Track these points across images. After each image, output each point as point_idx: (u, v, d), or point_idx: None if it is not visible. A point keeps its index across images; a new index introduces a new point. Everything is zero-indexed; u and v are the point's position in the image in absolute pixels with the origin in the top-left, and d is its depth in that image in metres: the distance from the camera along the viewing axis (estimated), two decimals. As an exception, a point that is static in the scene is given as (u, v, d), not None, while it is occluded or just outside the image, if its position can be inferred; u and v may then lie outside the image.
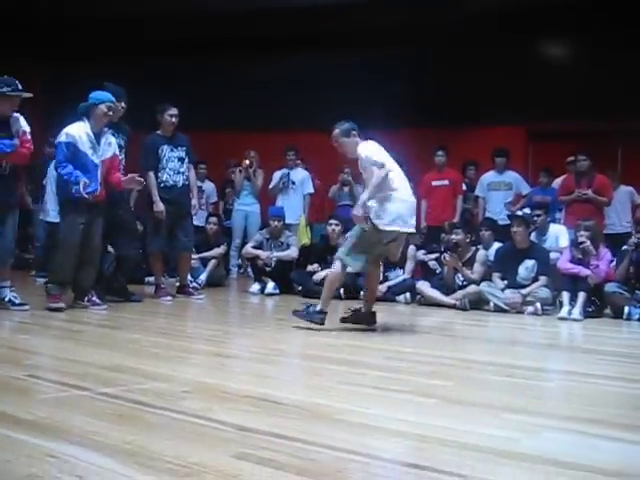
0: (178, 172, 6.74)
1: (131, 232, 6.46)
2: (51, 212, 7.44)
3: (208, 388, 2.95)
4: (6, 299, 5.59)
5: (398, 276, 7.32)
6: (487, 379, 3.44)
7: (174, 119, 6.71)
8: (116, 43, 11.09)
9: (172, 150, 6.73)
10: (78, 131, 5.60)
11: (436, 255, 7.39)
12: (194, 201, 6.98)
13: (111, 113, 5.71)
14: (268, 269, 7.57)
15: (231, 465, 1.93)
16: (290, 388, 2.97)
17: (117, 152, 5.93)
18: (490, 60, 10.32)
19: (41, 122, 8.42)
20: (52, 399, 2.65)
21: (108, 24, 10.77)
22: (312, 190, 9.47)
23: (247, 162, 9.13)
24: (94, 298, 5.79)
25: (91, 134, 5.64)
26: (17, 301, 5.59)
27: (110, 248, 6.52)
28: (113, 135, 6.13)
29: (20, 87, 5.42)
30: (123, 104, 6.23)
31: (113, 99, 5.75)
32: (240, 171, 9.22)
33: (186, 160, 6.82)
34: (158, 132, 6.78)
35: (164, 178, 6.68)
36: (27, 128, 5.69)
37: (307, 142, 10.27)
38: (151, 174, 6.62)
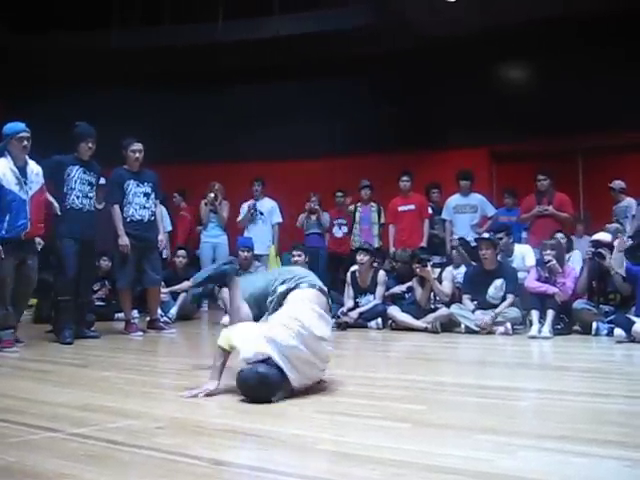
0: (144, 207, 6.70)
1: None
2: None
3: (181, 423, 2.92)
4: None
5: (369, 302, 7.35)
6: (460, 401, 3.46)
7: (137, 154, 6.69)
8: (83, 74, 11.11)
9: (138, 185, 6.69)
10: (1, 169, 5.48)
11: (407, 285, 7.45)
12: (161, 236, 6.93)
13: (25, 143, 5.57)
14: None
15: (207, 501, 1.91)
16: (264, 420, 2.95)
17: (43, 182, 5.79)
18: (451, 83, 10.55)
19: None
20: (22, 442, 2.59)
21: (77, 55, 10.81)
22: (280, 220, 9.50)
23: (212, 195, 9.12)
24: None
25: (15, 169, 5.54)
26: None
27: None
28: (84, 173, 6.12)
29: None
30: (90, 144, 6.19)
31: (26, 129, 5.62)
32: (205, 204, 9.22)
33: (152, 196, 6.78)
34: (125, 167, 6.76)
35: (130, 212, 6.64)
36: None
37: (273, 171, 10.34)
38: (116, 207, 6.58)
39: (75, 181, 6.17)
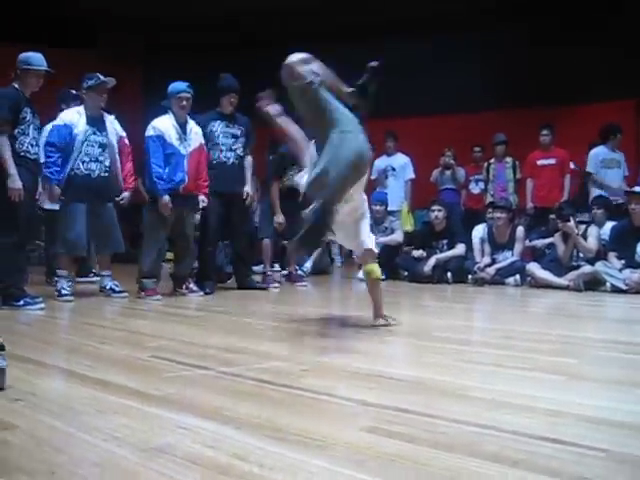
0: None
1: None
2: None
3: (326, 367, 2.94)
4: (107, 287, 5.84)
5: (506, 258, 7.14)
6: (613, 357, 3.27)
7: (233, 99, 6.37)
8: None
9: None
10: (165, 124, 5.75)
11: (549, 240, 7.15)
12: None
13: (184, 103, 5.74)
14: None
15: (361, 438, 1.90)
16: (409, 366, 2.92)
17: (202, 141, 5.98)
18: (592, 34, 9.90)
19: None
20: (177, 377, 2.71)
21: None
22: (413, 176, 9.36)
23: None
24: (191, 285, 5.95)
25: (177, 126, 5.77)
26: (117, 289, 5.83)
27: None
28: (227, 127, 6.24)
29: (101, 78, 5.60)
30: (232, 98, 6.26)
31: (187, 89, 5.78)
32: None
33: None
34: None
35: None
36: (123, 133, 5.94)
37: (407, 127, 10.16)
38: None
39: (218, 136, 6.29)
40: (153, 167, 5.66)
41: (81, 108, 5.65)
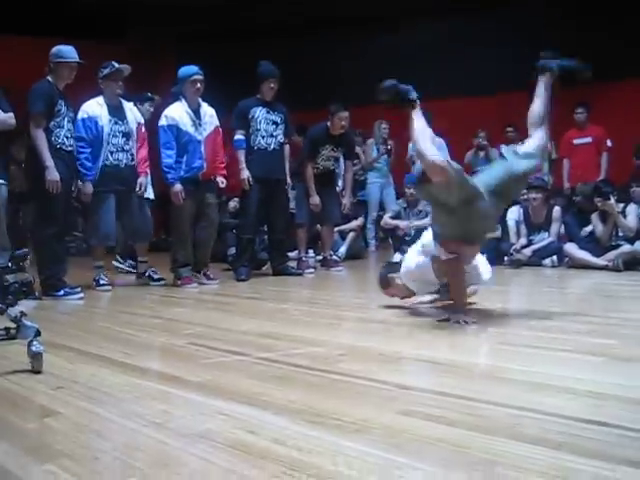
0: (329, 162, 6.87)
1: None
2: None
3: (363, 351, 2.94)
4: (146, 274, 5.91)
5: (543, 239, 7.03)
6: (655, 337, 3.22)
7: (344, 122, 6.71)
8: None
9: (332, 150, 6.83)
10: (177, 111, 5.70)
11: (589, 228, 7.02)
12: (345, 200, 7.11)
13: (198, 85, 5.69)
14: (408, 238, 7.48)
15: (398, 421, 1.90)
16: (446, 349, 2.90)
17: (217, 124, 5.93)
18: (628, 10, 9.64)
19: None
20: (215, 364, 2.73)
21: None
22: (448, 158, 9.27)
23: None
24: (208, 272, 5.95)
25: (190, 112, 5.72)
26: (156, 276, 5.89)
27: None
28: (268, 113, 6.23)
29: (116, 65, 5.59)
30: (272, 84, 6.25)
31: (199, 71, 5.73)
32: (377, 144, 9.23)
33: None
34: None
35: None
36: (142, 119, 5.96)
37: (441, 109, 10.03)
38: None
39: (259, 122, 6.28)
40: (163, 156, 5.66)
41: (100, 99, 5.62)
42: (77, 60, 5.08)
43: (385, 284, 4.15)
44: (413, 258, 3.95)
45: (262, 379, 2.44)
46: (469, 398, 2.10)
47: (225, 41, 11.62)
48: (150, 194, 6.43)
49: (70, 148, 5.16)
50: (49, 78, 5.05)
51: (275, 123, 6.31)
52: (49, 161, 4.90)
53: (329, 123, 6.73)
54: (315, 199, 6.69)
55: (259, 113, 6.25)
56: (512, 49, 10.52)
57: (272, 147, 6.28)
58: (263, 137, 6.25)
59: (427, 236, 3.82)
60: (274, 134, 6.29)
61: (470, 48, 10.74)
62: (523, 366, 2.53)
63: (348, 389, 2.30)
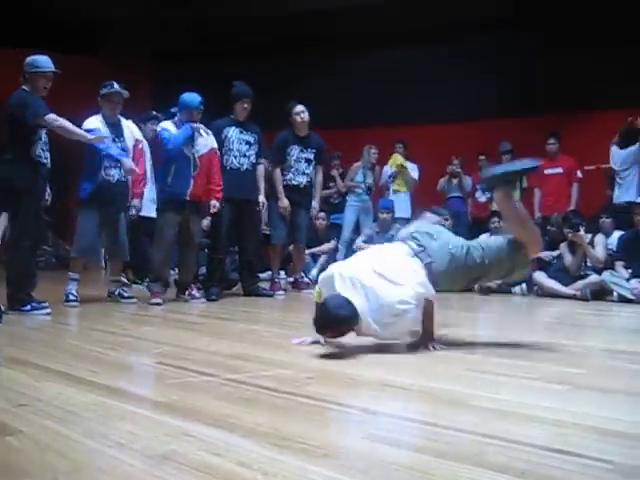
0: (303, 173, 6.80)
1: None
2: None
3: (331, 375, 2.94)
4: (116, 292, 5.87)
5: (513, 267, 7.10)
6: (621, 367, 3.26)
7: (302, 115, 6.73)
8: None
9: (302, 151, 6.78)
10: (170, 128, 5.77)
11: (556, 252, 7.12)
12: (314, 203, 7.04)
13: (196, 117, 5.77)
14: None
15: (365, 446, 1.90)
16: (414, 375, 2.91)
17: (214, 146, 5.99)
18: (599, 41, 9.86)
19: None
20: (182, 384, 2.70)
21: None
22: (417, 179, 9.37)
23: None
24: (194, 292, 5.95)
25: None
26: (126, 294, 5.85)
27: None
28: (241, 133, 6.27)
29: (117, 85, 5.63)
30: (245, 104, 6.30)
31: (200, 106, 5.79)
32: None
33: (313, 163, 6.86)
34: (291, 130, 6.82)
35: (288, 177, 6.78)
36: (140, 136, 5.96)
37: (415, 135, 10.16)
38: (277, 170, 6.71)
39: (232, 142, 6.31)
40: (164, 135, 5.75)
41: (99, 116, 5.65)
42: (53, 70, 5.06)
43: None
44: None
45: (229, 401, 2.43)
46: (435, 424, 2.11)
47: (201, 59, 11.64)
48: (152, 212, 6.38)
49: (45, 161, 5.13)
50: (25, 88, 5.02)
51: (248, 143, 6.35)
52: (79, 131, 5.10)
53: (292, 124, 6.78)
54: (284, 202, 6.68)
55: (232, 133, 6.29)
56: (486, 78, 10.72)
57: (245, 167, 6.31)
58: (236, 157, 6.28)
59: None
60: (247, 154, 6.33)
61: (446, 76, 10.90)
62: (490, 393, 2.55)
63: (315, 412, 2.29)
